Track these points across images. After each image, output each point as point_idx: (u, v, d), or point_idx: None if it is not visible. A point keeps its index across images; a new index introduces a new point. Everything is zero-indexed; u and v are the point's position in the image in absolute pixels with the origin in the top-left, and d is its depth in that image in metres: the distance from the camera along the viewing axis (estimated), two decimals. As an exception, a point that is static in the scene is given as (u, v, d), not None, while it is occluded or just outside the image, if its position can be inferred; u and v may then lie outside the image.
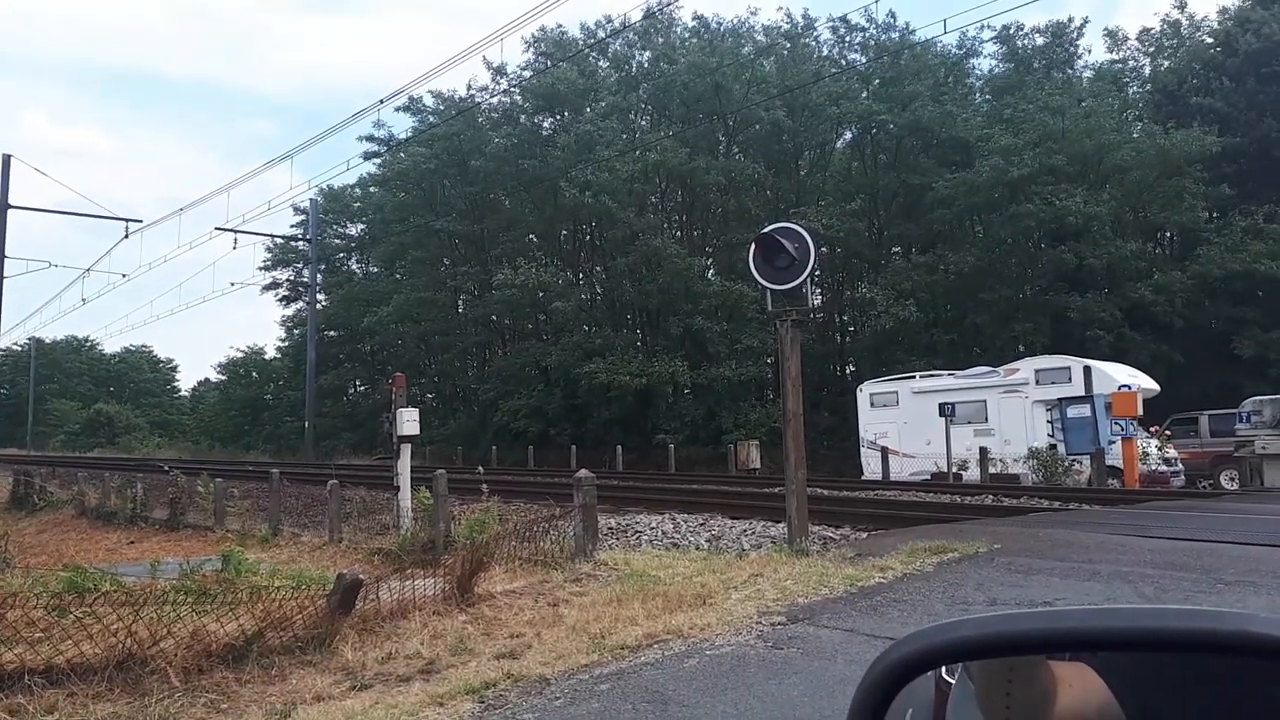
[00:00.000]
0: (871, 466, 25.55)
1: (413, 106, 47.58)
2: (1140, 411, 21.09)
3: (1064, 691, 1.04)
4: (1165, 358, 30.65)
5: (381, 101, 33.52)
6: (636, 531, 12.87)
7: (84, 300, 44.53)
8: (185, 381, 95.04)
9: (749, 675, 5.02)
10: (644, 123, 44.72)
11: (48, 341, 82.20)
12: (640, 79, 44.15)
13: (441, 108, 46.96)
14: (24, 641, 5.45)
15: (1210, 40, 39.56)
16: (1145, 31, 43.06)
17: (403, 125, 50.90)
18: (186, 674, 5.44)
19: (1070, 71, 42.01)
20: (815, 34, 43.90)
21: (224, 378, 68.87)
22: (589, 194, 37.83)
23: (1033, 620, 0.96)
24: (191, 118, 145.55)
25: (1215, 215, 34.88)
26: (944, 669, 1.53)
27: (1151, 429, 23.08)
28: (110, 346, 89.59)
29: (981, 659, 1.05)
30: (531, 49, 45.67)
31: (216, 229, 36.26)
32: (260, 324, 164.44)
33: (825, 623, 6.12)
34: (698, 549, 11.12)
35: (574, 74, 42.99)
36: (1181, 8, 41.39)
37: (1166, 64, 41.44)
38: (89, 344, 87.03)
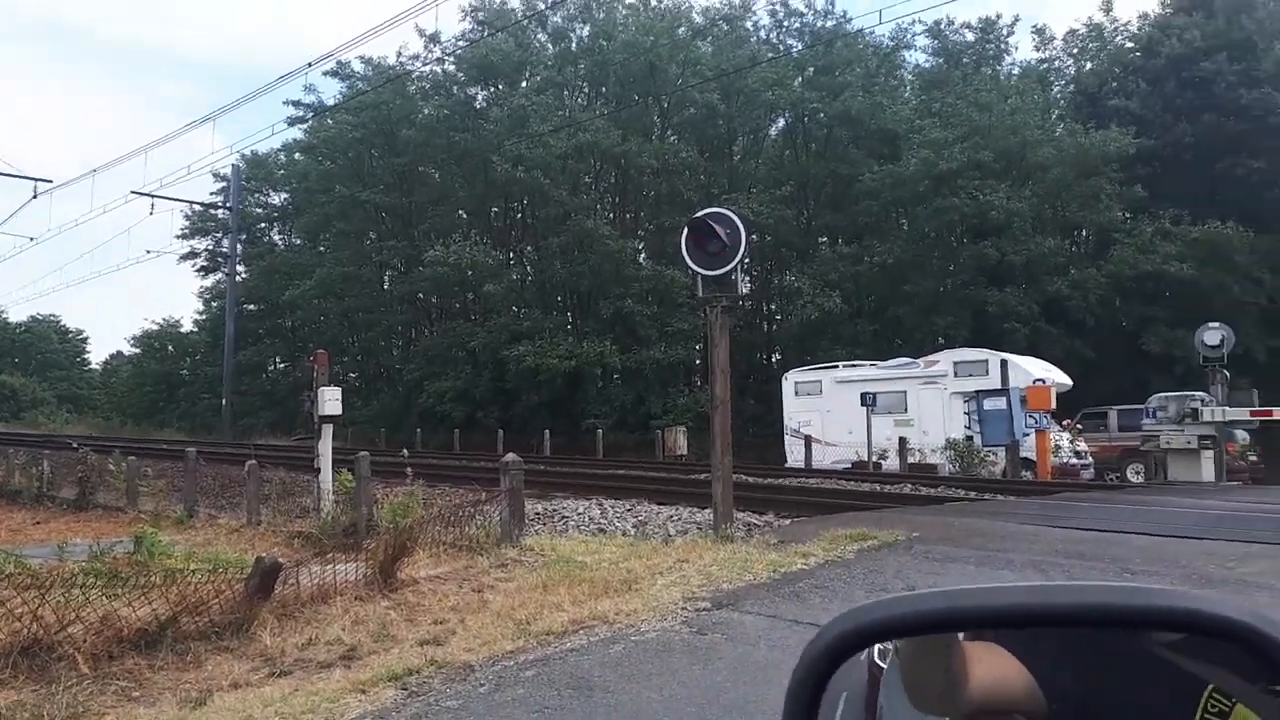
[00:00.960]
0: (795, 454, 25.93)
1: (341, 72, 46.50)
2: (1053, 405, 21.77)
3: (977, 670, 1.08)
4: (1078, 353, 31.67)
5: (310, 65, 32.85)
6: (564, 517, 12.87)
7: (-12, 265, 42.57)
8: (96, 354, 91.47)
9: (674, 661, 5.06)
10: (580, 100, 44.39)
11: (-53, 309, 78.63)
12: (579, 55, 43.76)
13: (371, 74, 45.89)
14: (-80, 626, 5.23)
15: (1131, 44, 40.87)
16: (1071, 33, 44.28)
17: (331, 91, 49.62)
18: (96, 660, 5.28)
19: (998, 68, 42.97)
20: (754, 17, 44.08)
21: (138, 351, 66.55)
22: (521, 169, 37.44)
23: (975, 596, 0.98)
24: (111, 75, 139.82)
25: (1129, 216, 36.11)
26: (876, 653, 1.56)
27: (1063, 422, 23.87)
28: (16, 315, 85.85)
29: (920, 635, 1.07)
30: (469, 17, 44.91)
31: (132, 193, 35.13)
32: (177, 295, 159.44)
33: (749, 608, 6.20)
34: (624, 535, 11.17)
35: (510, 45, 42.43)
36: (1106, 10, 42.73)
37: (1089, 65, 42.67)
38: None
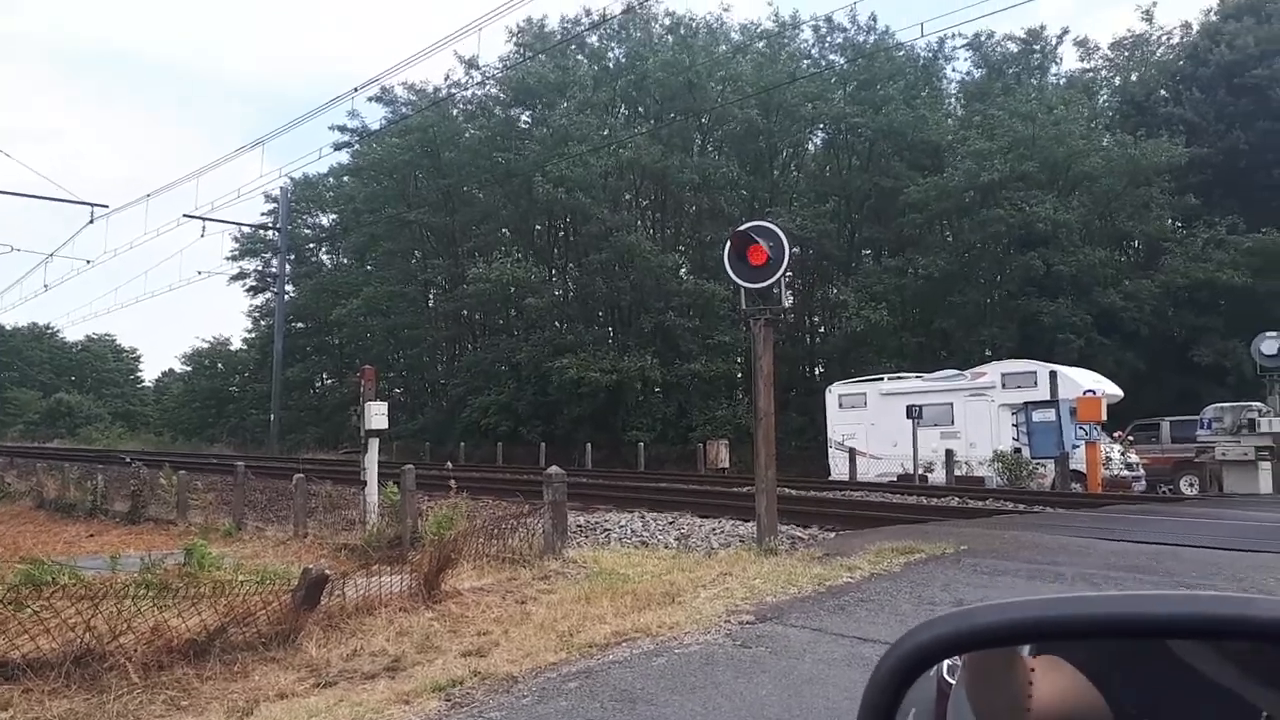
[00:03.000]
0: (839, 467, 25.70)
1: (385, 97, 47.28)
2: (1104, 417, 21.37)
3: (1042, 685, 1.04)
4: (1129, 364, 31.07)
5: (356, 89, 33.28)
6: (605, 529, 12.85)
7: (46, 286, 43.75)
8: (149, 372, 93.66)
9: (717, 674, 5.01)
10: (620, 117, 44.66)
11: (8, 329, 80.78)
12: (617, 74, 44.11)
13: (414, 99, 46.66)
14: (-22, 635, 5.33)
15: (1175, 54, 40.23)
16: (1117, 43, 43.69)
17: (375, 115, 50.46)
18: (146, 670, 5.34)
19: (1044, 79, 42.46)
20: (797, 32, 43.98)
21: (189, 369, 67.92)
22: (563, 189, 37.72)
23: (1065, 605, 0.93)
24: (162, 102, 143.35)
25: (1179, 225, 35.41)
26: (946, 670, 1.53)
27: (1114, 434, 23.41)
28: (72, 334, 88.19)
29: (1004, 646, 1.03)
30: (514, 39, 45.65)
31: (184, 216, 35.80)
32: (227, 314, 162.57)
33: (793, 621, 6.13)
34: (666, 547, 11.12)
35: (548, 68, 42.87)
36: (1148, 19, 42.04)
37: (1135, 76, 42.04)
38: (50, 331, 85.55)
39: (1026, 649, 1.18)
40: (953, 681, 1.43)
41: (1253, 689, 0.90)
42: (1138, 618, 0.90)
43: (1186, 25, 40.85)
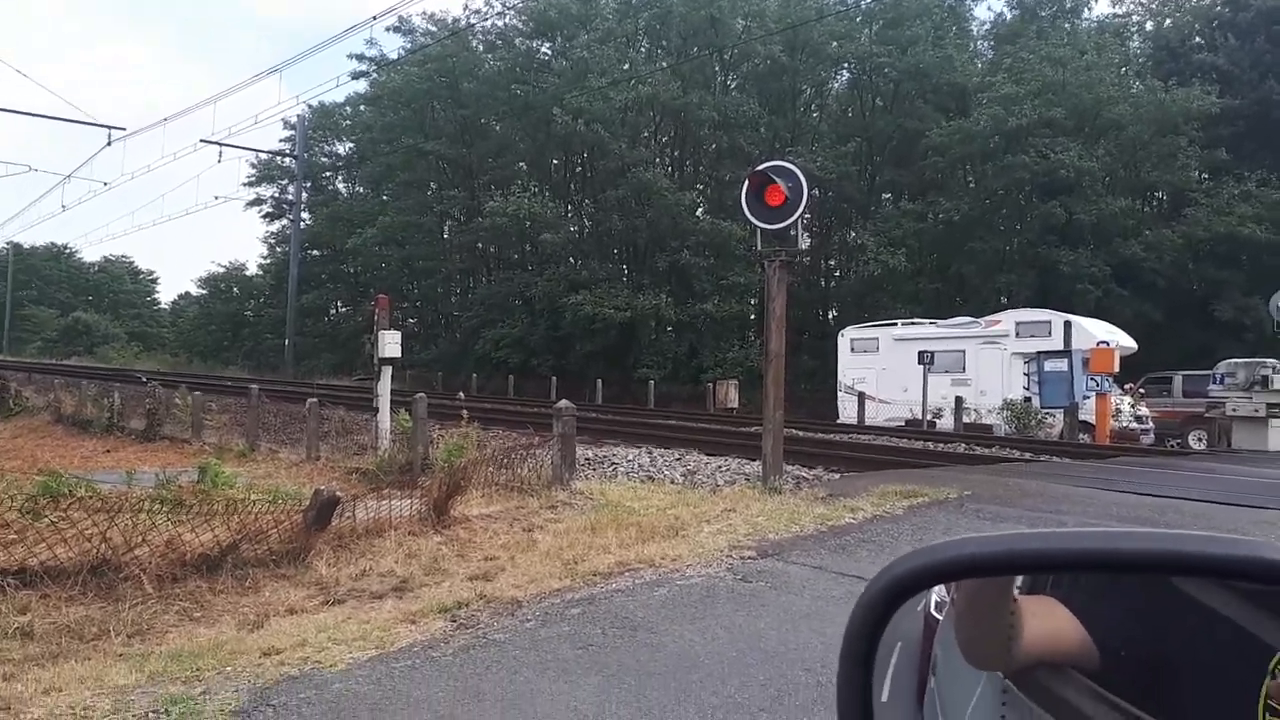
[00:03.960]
0: (848, 410, 25.74)
1: (403, 27, 46.60)
2: (1117, 369, 21.29)
3: (1030, 624, 1.06)
4: (1145, 316, 30.82)
5: (374, 18, 32.86)
6: (613, 464, 12.97)
7: (64, 207, 43.71)
8: (166, 294, 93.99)
9: (717, 606, 5.12)
10: (641, 51, 43.93)
11: (26, 247, 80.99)
12: (640, 7, 43.29)
13: (434, 29, 45.96)
14: (-2, 542, 5.47)
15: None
16: (1150, -15, 42.47)
17: (393, 45, 49.89)
18: (160, 581, 5.49)
19: (1077, 22, 41.43)
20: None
21: (205, 292, 68.09)
22: (581, 122, 37.29)
23: (1044, 540, 0.94)
24: (181, 30, 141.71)
25: (1206, 177, 34.78)
26: (933, 605, 1.56)
27: (1126, 386, 23.34)
28: (90, 255, 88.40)
29: (982, 576, 1.04)
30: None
31: (201, 141, 35.64)
32: (243, 240, 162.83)
33: (794, 559, 6.22)
34: (673, 483, 11.24)
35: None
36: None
37: (1169, 21, 40.98)
38: (68, 252, 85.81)
39: (1017, 588, 1.20)
40: (940, 617, 1.47)
41: (1267, 625, 0.89)
42: (1117, 553, 0.91)
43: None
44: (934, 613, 1.56)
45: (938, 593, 1.51)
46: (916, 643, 1.54)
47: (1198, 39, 38.13)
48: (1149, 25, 42.54)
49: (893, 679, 1.34)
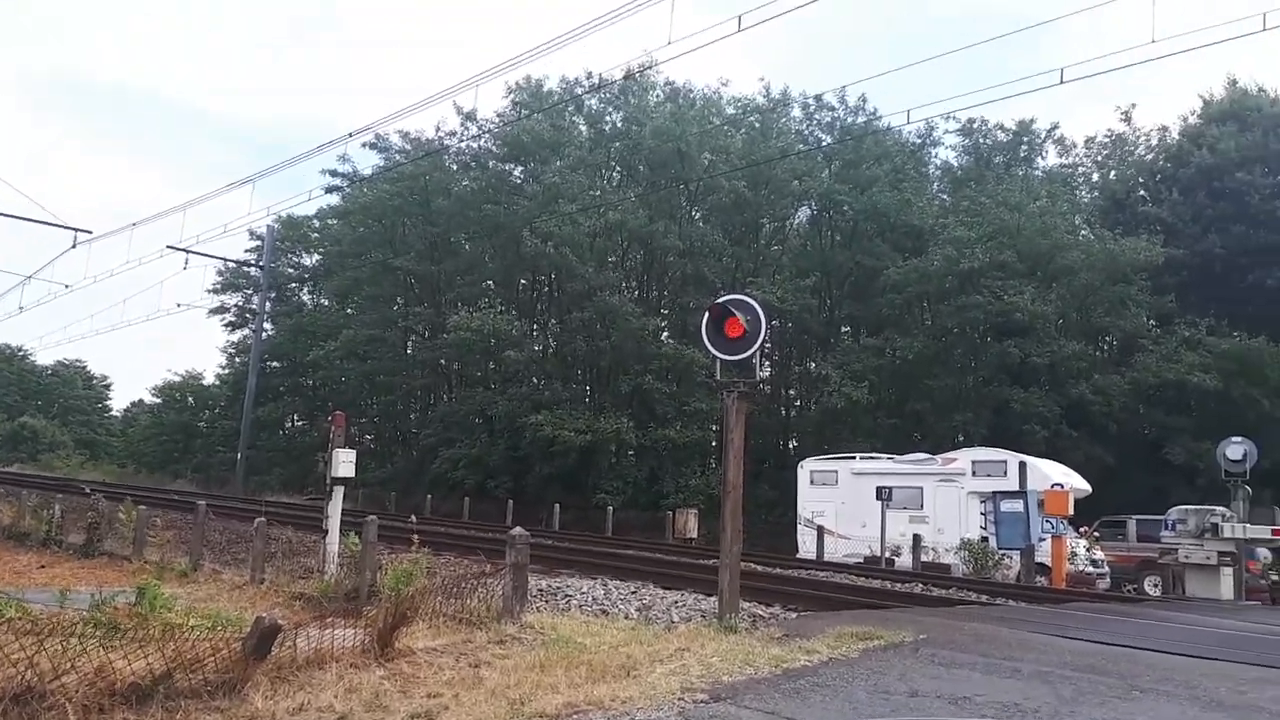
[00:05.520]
0: (807, 545, 25.61)
1: (379, 144, 47.64)
2: (1071, 511, 21.50)
3: None
4: (1098, 459, 31.31)
5: (350, 134, 33.40)
6: (567, 595, 12.71)
7: (21, 308, 43.44)
8: (118, 401, 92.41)
9: (666, 754, 4.96)
10: (611, 179, 45.23)
11: (-23, 350, 79.76)
12: (612, 138, 44.80)
13: (409, 148, 47.08)
14: (-86, 667, 5.20)
15: (1153, 155, 41.35)
16: (1091, 140, 44.94)
17: (368, 162, 50.98)
18: (86, 712, 5.22)
19: (1031, 170, 43.46)
20: (787, 109, 44.86)
21: (158, 401, 67.14)
22: (550, 245, 38.01)
23: None
24: (152, 136, 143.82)
25: (1155, 325, 36.00)
26: None
27: (1081, 529, 23.51)
28: (43, 358, 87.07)
29: None
30: (512, 95, 46.35)
31: (168, 247, 35.65)
32: (203, 349, 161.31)
33: (747, 703, 6.08)
34: (627, 618, 11.01)
35: (544, 126, 43.44)
36: (1126, 120, 43.29)
37: (1113, 174, 43.13)
38: (21, 354, 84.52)
39: None
40: None
41: None
42: None
43: (1164, 128, 42.13)
44: None
45: None
46: None
47: (1142, 192, 40.11)
48: (1095, 176, 44.76)
49: None
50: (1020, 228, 34.30)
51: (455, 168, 47.67)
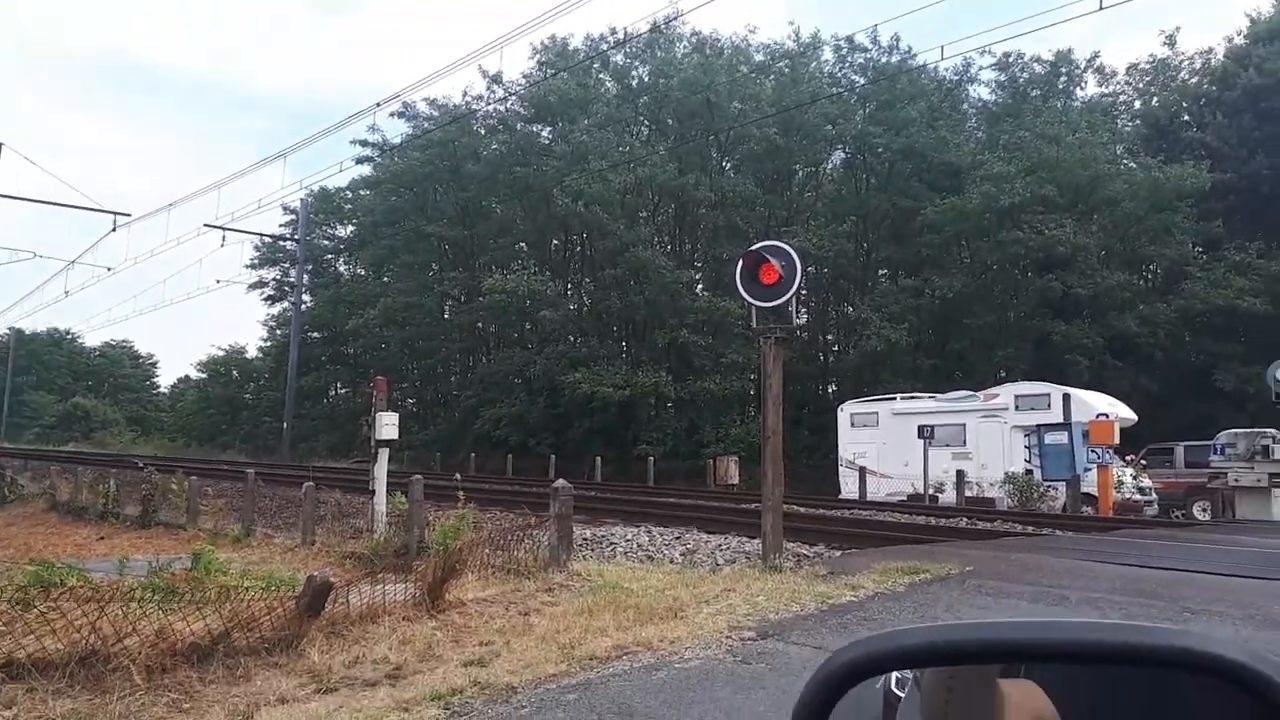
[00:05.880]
0: (849, 486, 25.61)
1: (407, 112, 47.58)
2: (1117, 440, 21.25)
3: (1010, 709, 1.04)
4: (1143, 388, 30.87)
5: (378, 104, 33.35)
6: (611, 543, 12.85)
7: (66, 292, 44.04)
8: (165, 378, 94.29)
9: (716, 689, 5.01)
10: (640, 135, 44.83)
11: (28, 333, 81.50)
12: (639, 93, 44.33)
13: (436, 114, 46.99)
14: (-15, 634, 5.39)
15: (1197, 79, 40.07)
16: (1133, 67, 43.55)
17: (396, 130, 50.90)
18: (150, 672, 5.39)
19: (1067, 102, 42.33)
20: (818, 53, 44.00)
21: (204, 376, 68.34)
22: (581, 204, 37.88)
23: (981, 630, 0.96)
24: (185, 114, 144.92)
25: (1201, 251, 35.22)
26: (894, 682, 1.54)
27: (1127, 457, 23.26)
28: (91, 340, 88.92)
29: (924, 666, 1.05)
30: (537, 56, 46.00)
31: (205, 225, 36.06)
32: (244, 323, 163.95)
33: (795, 639, 6.12)
34: (672, 562, 11.12)
35: (570, 85, 43.08)
36: (1170, 44, 41.90)
37: (1156, 100, 41.90)
38: (70, 337, 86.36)
39: (998, 671, 1.19)
40: (901, 694, 1.44)
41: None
42: (1040, 644, 0.93)
43: (1208, 50, 40.75)
44: (894, 689, 1.53)
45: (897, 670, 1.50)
46: None
47: (1185, 118, 38.97)
48: (1137, 104, 43.48)
49: None
50: (1060, 160, 33.53)
51: (483, 132, 47.58)
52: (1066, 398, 22.23)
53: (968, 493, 21.97)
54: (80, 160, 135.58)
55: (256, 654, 5.96)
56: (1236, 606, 6.79)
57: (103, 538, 16.29)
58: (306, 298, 53.29)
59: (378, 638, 6.42)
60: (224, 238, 36.68)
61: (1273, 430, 18.20)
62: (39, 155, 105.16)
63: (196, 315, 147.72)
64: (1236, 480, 17.89)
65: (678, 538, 13.52)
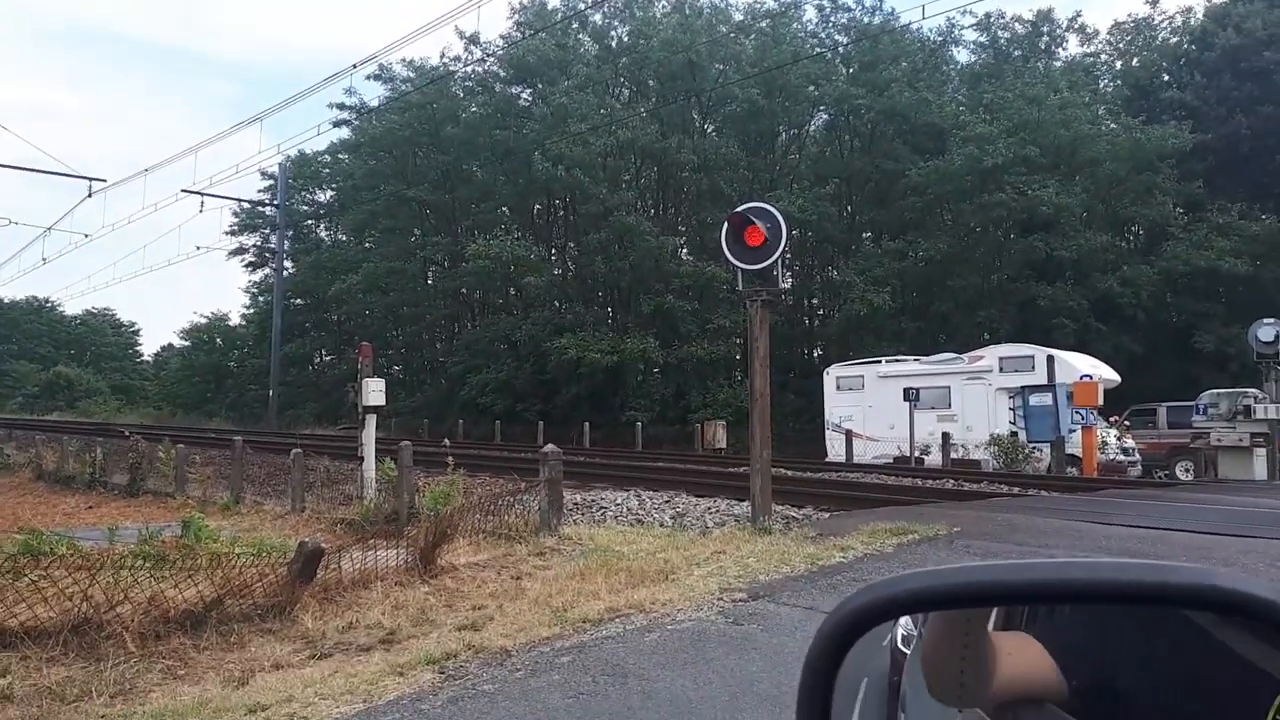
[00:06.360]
0: (836, 448, 25.76)
1: (384, 74, 47.05)
2: (1101, 401, 21.42)
3: (1005, 661, 1.05)
4: (1126, 349, 31.09)
5: (355, 66, 33.06)
6: (601, 507, 12.91)
7: (44, 260, 43.73)
8: (148, 346, 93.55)
9: (709, 650, 5.06)
10: (620, 97, 44.43)
11: (6, 301, 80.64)
12: (619, 53, 43.86)
13: (413, 76, 46.41)
14: (-24, 604, 5.37)
15: (1177, 39, 40.01)
16: (1116, 25, 43.45)
17: (374, 93, 50.36)
18: (143, 639, 5.40)
19: (1049, 62, 42.24)
20: (799, 12, 43.66)
21: (187, 343, 67.81)
22: (562, 168, 37.59)
23: (992, 571, 0.95)
24: (158, 79, 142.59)
25: (1183, 212, 35.33)
26: (900, 639, 1.55)
27: (1111, 419, 23.46)
28: (71, 308, 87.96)
29: (941, 609, 1.05)
30: (515, 16, 45.44)
31: (183, 191, 35.73)
32: (225, 289, 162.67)
33: (785, 600, 6.18)
34: (662, 526, 11.18)
35: (549, 45, 42.59)
36: (1153, 3, 41.80)
37: (1136, 60, 41.84)
38: (49, 305, 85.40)
39: (992, 624, 1.19)
40: (907, 651, 1.45)
41: (1271, 658, 0.86)
42: (1063, 583, 0.91)
43: (1188, 10, 40.68)
44: (901, 646, 1.55)
45: (904, 626, 1.51)
46: (883, 677, 1.54)
47: (1165, 77, 38.92)
48: (1118, 64, 43.42)
49: (860, 715, 1.33)
50: (1042, 121, 33.50)
51: (462, 94, 47.05)
52: (1050, 359, 22.38)
53: (953, 455, 22.14)
54: (53, 127, 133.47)
55: (250, 620, 5.97)
56: (1220, 564, 6.90)
57: (91, 506, 16.25)
58: (288, 264, 52.88)
59: (371, 603, 6.45)
60: (202, 203, 36.45)
61: (1254, 390, 18.38)
62: (12, 122, 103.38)
63: (178, 282, 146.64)
64: (1219, 440, 18.08)
65: (667, 501, 13.59)
